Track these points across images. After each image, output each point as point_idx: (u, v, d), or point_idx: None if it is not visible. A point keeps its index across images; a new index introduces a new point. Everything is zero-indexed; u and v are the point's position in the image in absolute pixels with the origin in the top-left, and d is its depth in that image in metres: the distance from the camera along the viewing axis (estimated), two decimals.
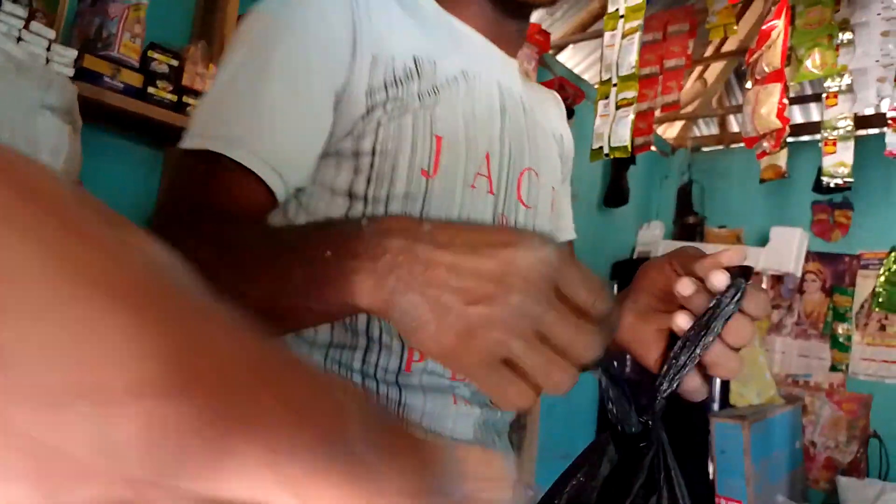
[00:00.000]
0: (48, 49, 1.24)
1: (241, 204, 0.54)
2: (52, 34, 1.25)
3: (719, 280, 0.47)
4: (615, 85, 1.80)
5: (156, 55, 1.38)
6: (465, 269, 0.35)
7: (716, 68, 3.85)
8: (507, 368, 0.35)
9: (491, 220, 0.64)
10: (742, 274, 0.46)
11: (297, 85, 0.56)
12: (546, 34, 2.45)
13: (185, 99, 1.40)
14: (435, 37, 0.65)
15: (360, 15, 0.59)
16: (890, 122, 2.17)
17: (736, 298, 0.45)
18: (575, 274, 0.35)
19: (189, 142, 0.54)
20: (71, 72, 1.26)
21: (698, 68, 3.79)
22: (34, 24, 1.22)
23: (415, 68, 0.61)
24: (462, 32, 0.68)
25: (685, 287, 0.50)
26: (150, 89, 1.36)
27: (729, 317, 0.45)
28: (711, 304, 0.46)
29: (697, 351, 0.46)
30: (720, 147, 3.64)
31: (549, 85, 2.42)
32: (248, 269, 0.45)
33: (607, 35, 1.83)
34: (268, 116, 0.55)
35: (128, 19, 1.35)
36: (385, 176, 0.58)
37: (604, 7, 1.91)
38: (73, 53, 1.26)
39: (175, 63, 1.40)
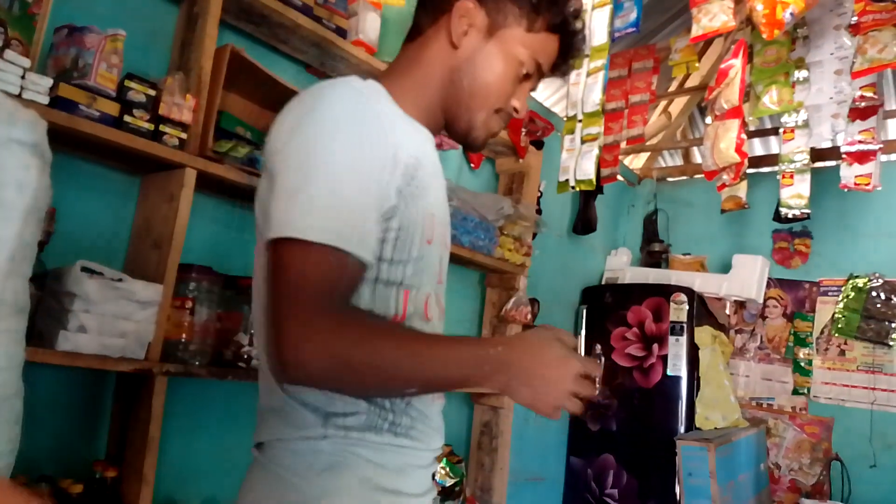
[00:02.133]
0: (23, 77, 1.25)
1: (355, 283, 0.79)
2: (27, 63, 1.26)
3: None
4: (580, 121, 1.86)
5: (133, 85, 1.39)
6: (540, 374, 0.80)
7: (679, 103, 3.99)
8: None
9: (438, 265, 0.95)
10: None
11: (370, 190, 0.79)
12: None
13: (161, 128, 1.42)
14: (412, 134, 0.90)
15: (392, 134, 0.83)
16: (844, 156, 2.28)
17: None
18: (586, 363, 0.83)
19: (308, 234, 0.72)
20: (46, 100, 1.27)
21: (662, 103, 3.91)
22: (9, 53, 1.23)
23: (415, 164, 0.85)
24: (418, 127, 0.94)
25: None
26: (127, 118, 1.37)
27: None
28: None
29: None
30: (684, 178, 3.75)
31: (519, 118, 2.49)
32: (424, 355, 0.75)
33: (573, 73, 1.90)
34: (359, 215, 0.76)
35: (104, 50, 1.37)
36: (405, 245, 0.85)
37: None
38: (49, 82, 1.27)
39: (152, 93, 1.42)
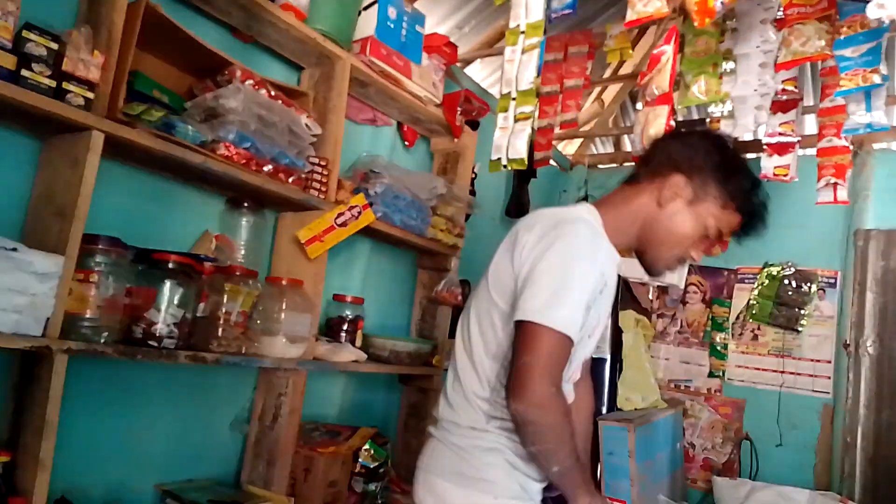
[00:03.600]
0: None
1: (568, 355, 1.16)
2: None
3: None
4: (514, 99, 1.84)
5: (32, 36, 1.27)
6: None
7: (612, 90, 4.05)
8: None
9: (588, 353, 1.39)
10: None
11: (587, 299, 1.16)
12: (454, 46, 2.48)
13: (65, 85, 1.30)
14: (611, 262, 1.26)
15: (604, 263, 1.22)
16: (765, 147, 2.35)
17: None
18: None
19: (558, 325, 1.12)
20: None
21: (596, 89, 3.96)
22: None
23: (606, 284, 1.24)
24: (614, 254, 1.28)
25: None
26: (25, 73, 1.25)
27: None
28: None
29: None
30: (614, 165, 3.82)
31: (455, 96, 2.45)
32: (569, 461, 1.16)
33: (508, 50, 1.87)
34: (579, 313, 1.14)
35: None
36: (589, 334, 1.28)
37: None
38: None
39: (55, 46, 1.30)
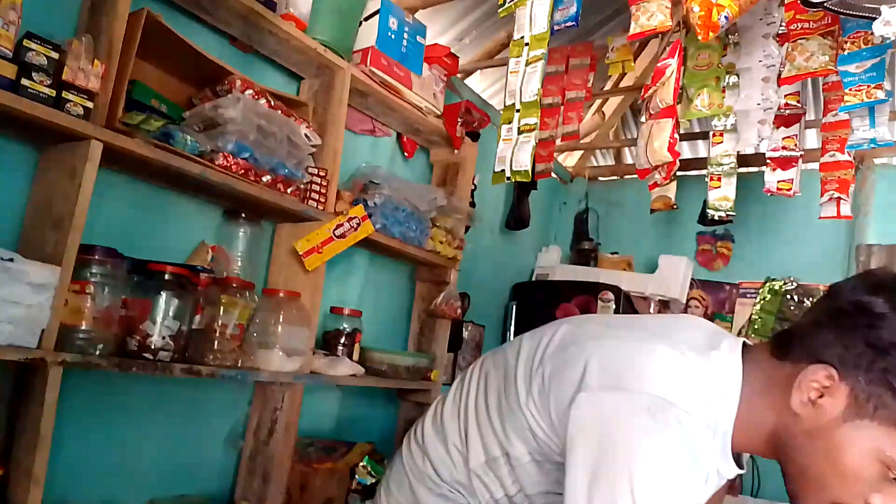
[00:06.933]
0: None
1: None
2: None
3: None
4: (518, 110, 1.83)
5: (33, 45, 1.26)
6: None
7: (613, 102, 4.05)
8: None
9: None
10: None
11: None
12: (455, 57, 2.47)
13: (64, 95, 1.29)
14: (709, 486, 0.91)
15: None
16: (768, 161, 2.34)
17: None
18: None
19: None
20: None
21: (597, 102, 3.96)
22: None
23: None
24: (724, 471, 0.92)
25: None
26: (25, 82, 1.24)
27: None
28: None
29: None
30: (615, 178, 3.81)
31: (455, 107, 2.44)
32: None
33: (512, 62, 1.86)
34: None
35: (0, 5, 1.23)
36: None
37: (510, 37, 1.95)
38: None
39: (55, 56, 1.28)
